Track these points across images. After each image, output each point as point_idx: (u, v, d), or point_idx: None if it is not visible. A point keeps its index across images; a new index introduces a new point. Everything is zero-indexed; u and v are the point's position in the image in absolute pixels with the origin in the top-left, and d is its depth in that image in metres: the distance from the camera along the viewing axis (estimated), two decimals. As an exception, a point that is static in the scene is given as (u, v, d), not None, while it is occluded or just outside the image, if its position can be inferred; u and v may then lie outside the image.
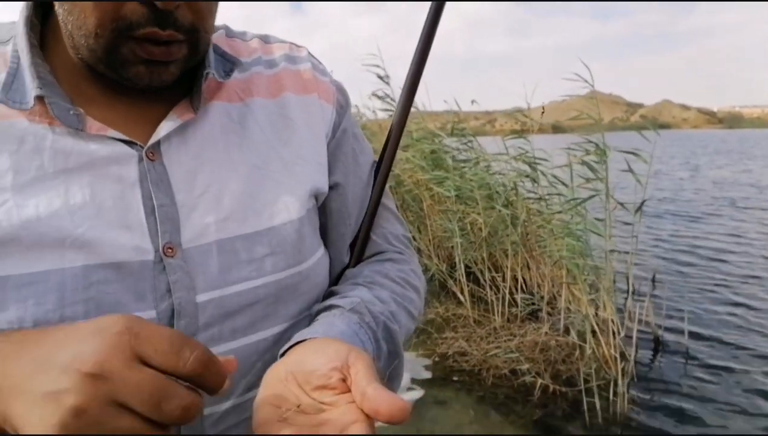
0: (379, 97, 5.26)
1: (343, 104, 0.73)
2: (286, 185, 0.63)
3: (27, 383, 0.38)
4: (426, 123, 5.25)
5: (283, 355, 0.54)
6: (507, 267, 4.29)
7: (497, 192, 4.22)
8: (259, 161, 0.62)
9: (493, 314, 4.17)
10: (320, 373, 0.44)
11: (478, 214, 4.33)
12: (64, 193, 0.52)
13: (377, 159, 0.74)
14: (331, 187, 0.69)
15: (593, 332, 3.42)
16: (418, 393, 3.35)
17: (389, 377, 0.62)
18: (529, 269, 4.44)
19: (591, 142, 3.52)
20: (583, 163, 3.42)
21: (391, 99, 5.16)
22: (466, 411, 3.19)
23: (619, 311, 3.61)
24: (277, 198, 0.62)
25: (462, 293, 4.47)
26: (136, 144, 0.56)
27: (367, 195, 0.72)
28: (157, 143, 0.57)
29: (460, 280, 4.50)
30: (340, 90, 0.73)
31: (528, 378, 3.35)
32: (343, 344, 0.49)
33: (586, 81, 3.41)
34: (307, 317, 0.65)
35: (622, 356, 3.36)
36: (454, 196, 4.25)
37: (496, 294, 4.23)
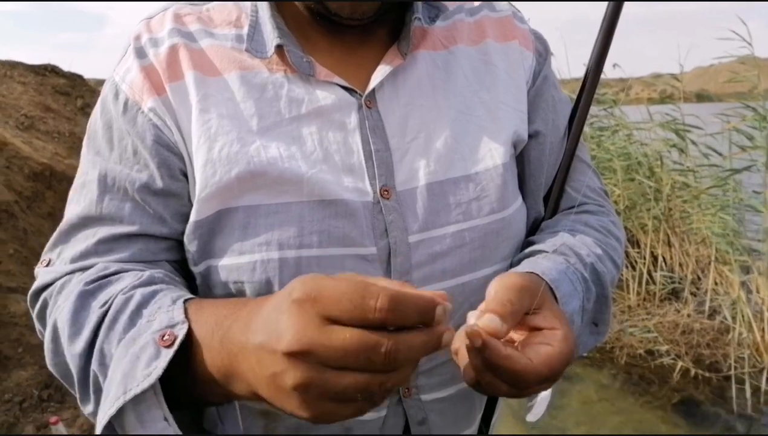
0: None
1: (542, 52, 0.73)
2: (489, 131, 0.65)
3: (249, 363, 0.41)
4: (564, 90, 5.00)
5: None
6: (646, 244, 4.03)
7: (639, 162, 3.95)
8: (464, 107, 0.65)
9: (627, 292, 3.96)
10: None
11: (615, 185, 4.09)
12: (298, 138, 0.59)
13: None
14: (530, 136, 0.69)
15: (744, 317, 3.14)
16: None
17: (597, 322, 0.63)
18: (670, 246, 4.14)
19: (749, 106, 3.17)
20: (738, 130, 3.09)
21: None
22: (595, 388, 3.10)
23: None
24: (482, 144, 0.64)
25: (594, 268, 4.26)
26: (356, 92, 0.61)
27: (563, 146, 0.71)
28: (373, 92, 0.62)
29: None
30: (539, 38, 0.73)
31: (667, 360, 3.17)
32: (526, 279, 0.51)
33: (744, 39, 3.05)
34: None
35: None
36: (589, 166, 4.03)
37: (632, 271, 4.01)
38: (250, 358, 0.40)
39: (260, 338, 0.39)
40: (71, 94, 6.54)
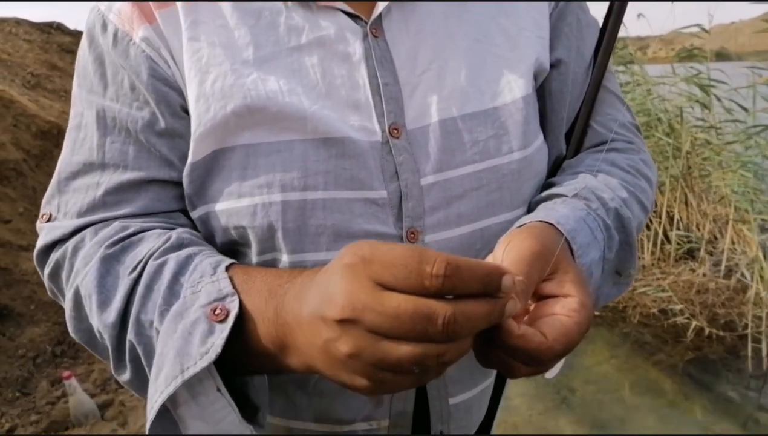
0: None
1: None
2: (509, 61, 0.59)
3: (303, 333, 0.38)
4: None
5: None
6: (662, 203, 3.95)
7: (659, 119, 3.82)
8: (481, 35, 0.59)
9: (642, 252, 3.90)
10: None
11: (632, 143, 3.98)
12: (298, 70, 0.54)
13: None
14: (552, 65, 0.62)
15: (761, 276, 3.08)
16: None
17: (620, 271, 0.58)
18: (687, 205, 4.06)
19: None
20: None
21: None
22: (607, 347, 3.08)
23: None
24: (501, 75, 0.58)
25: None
26: (361, 19, 0.56)
27: (588, 77, 0.64)
28: (379, 19, 0.56)
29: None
30: None
31: (680, 319, 3.14)
32: (524, 229, 0.47)
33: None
34: None
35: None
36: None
37: (647, 231, 3.94)
38: (304, 327, 0.38)
39: (313, 306, 0.37)
40: (77, 52, 6.45)
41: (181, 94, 0.54)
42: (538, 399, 2.63)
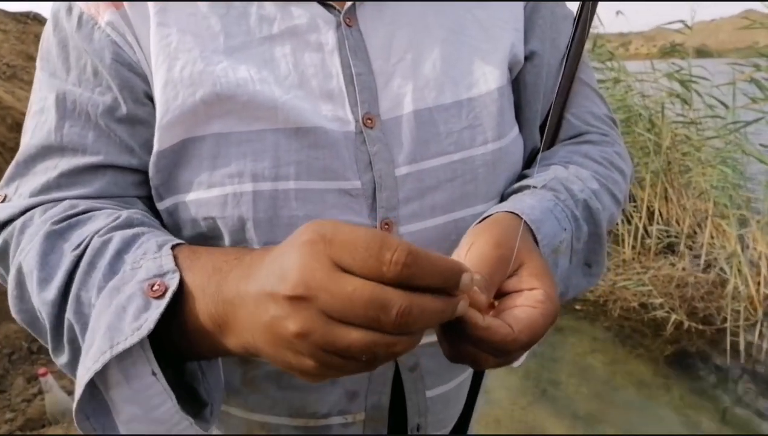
0: None
1: None
2: (483, 52, 0.58)
3: (247, 309, 0.37)
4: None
5: None
6: (643, 198, 3.99)
7: (639, 115, 3.85)
8: (456, 25, 0.58)
9: (623, 246, 3.94)
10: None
11: (614, 139, 4.01)
12: (270, 60, 0.53)
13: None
14: (526, 58, 0.62)
15: (740, 271, 3.13)
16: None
17: (590, 263, 0.58)
18: (667, 200, 4.10)
19: (764, 55, 3.06)
20: (752, 80, 2.99)
21: None
22: (587, 341, 3.11)
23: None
24: (475, 66, 0.58)
25: (589, 222, 4.24)
26: (334, 8, 0.55)
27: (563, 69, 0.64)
28: (353, 8, 0.55)
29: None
30: None
31: (660, 313, 3.18)
32: (484, 227, 0.47)
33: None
34: None
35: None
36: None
37: (627, 226, 3.98)
38: (248, 303, 0.36)
39: (262, 281, 0.36)
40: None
41: (146, 81, 0.53)
42: (519, 392, 2.64)
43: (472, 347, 0.41)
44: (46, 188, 0.53)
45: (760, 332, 2.90)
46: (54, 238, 0.48)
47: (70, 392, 2.47)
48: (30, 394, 2.50)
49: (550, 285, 0.44)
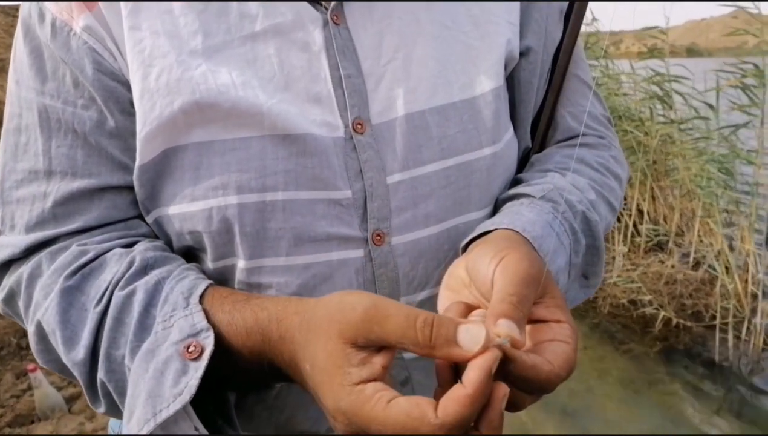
0: None
1: None
2: (478, 50, 0.56)
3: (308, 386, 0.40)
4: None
5: (465, 249, 0.51)
6: (632, 197, 4.02)
7: (620, 116, 3.87)
8: (448, 20, 0.55)
9: (612, 244, 3.97)
10: (488, 279, 0.41)
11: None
12: (253, 61, 0.50)
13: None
14: (521, 54, 0.59)
15: (727, 268, 3.17)
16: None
17: (588, 275, 0.57)
18: (654, 199, 4.14)
19: (748, 62, 3.10)
20: (741, 85, 3.02)
21: None
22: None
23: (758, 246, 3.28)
24: (470, 66, 0.55)
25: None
26: (321, 4, 0.52)
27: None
28: (341, 4, 0.52)
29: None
30: None
31: (649, 310, 3.20)
32: (509, 241, 0.45)
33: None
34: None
35: (757, 295, 3.10)
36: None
37: (617, 223, 4.01)
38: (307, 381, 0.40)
39: (313, 381, 0.39)
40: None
41: (130, 89, 0.49)
42: (510, 388, 2.66)
43: (512, 387, 0.38)
44: (41, 222, 0.50)
45: (748, 328, 2.93)
46: (71, 293, 0.47)
47: (60, 388, 2.46)
48: (19, 390, 2.48)
49: (571, 318, 0.42)
